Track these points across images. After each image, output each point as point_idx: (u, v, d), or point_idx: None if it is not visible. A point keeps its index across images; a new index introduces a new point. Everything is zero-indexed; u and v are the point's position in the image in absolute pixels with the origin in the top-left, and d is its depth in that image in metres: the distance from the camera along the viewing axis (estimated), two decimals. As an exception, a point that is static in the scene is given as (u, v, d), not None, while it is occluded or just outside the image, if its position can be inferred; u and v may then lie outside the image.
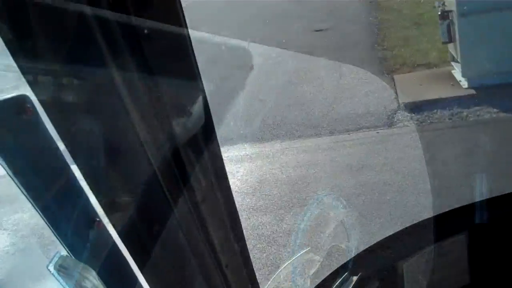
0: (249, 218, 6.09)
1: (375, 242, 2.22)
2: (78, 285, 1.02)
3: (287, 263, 6.27)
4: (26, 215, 7.00)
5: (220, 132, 7.19)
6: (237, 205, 1.46)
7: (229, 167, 6.89)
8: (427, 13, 14.57)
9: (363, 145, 7.39)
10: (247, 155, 7.81)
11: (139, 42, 0.92)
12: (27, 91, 0.87)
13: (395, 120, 7.98)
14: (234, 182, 6.87)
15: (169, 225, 1.15)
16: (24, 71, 0.84)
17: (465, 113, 7.76)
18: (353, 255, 2.19)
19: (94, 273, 1.04)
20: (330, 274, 2.11)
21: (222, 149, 1.25)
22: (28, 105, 0.90)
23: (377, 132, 7.70)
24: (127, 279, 1.17)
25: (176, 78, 1.05)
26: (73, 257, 1.04)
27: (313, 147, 7.69)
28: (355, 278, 2.05)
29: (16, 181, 0.94)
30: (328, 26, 15.08)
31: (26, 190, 0.95)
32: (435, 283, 2.27)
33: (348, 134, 7.88)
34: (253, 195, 6.65)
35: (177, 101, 1.04)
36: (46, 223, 1.00)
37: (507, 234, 2.30)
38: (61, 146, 0.94)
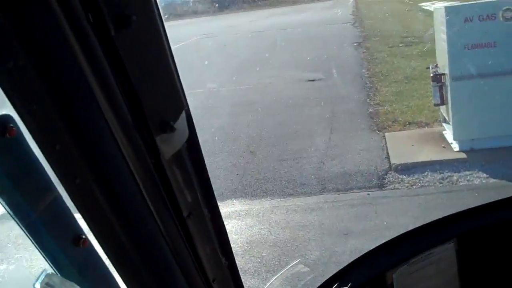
0: (236, 282, 6.00)
1: (364, 252, 2.24)
2: None
3: (277, 275, 6.15)
4: (12, 267, 6.90)
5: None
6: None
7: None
8: (418, 67, 14.77)
9: (353, 207, 7.35)
10: (236, 211, 7.76)
11: (121, 60, 0.93)
12: (10, 111, 0.87)
13: (386, 181, 7.96)
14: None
15: (155, 241, 1.15)
16: (6, 91, 0.83)
17: (455, 178, 7.77)
18: (343, 266, 2.21)
19: None
20: (321, 284, 2.12)
21: None
22: (12, 125, 0.91)
23: (368, 194, 7.66)
24: None
25: (159, 95, 1.06)
26: (59, 275, 1.05)
27: (302, 207, 7.64)
28: None
29: (1, 200, 0.94)
30: (321, 76, 15.21)
31: (11, 209, 0.96)
32: None
33: (338, 194, 7.85)
34: (242, 257, 6.57)
35: (161, 117, 1.05)
36: (31, 241, 1.01)
37: (495, 241, 2.35)
38: (46, 164, 0.94)
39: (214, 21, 35.47)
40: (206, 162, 1.20)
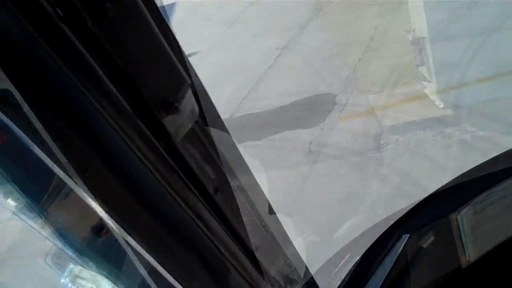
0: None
1: (426, 195, 2.19)
2: None
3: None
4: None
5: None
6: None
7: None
8: (379, 26, 15.04)
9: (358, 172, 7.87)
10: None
11: (106, 51, 0.91)
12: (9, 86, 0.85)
13: (382, 143, 8.51)
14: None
15: (183, 222, 1.13)
16: (5, 67, 0.83)
17: (446, 133, 8.33)
18: (408, 210, 2.15)
19: (108, 281, 1.05)
20: (381, 235, 2.07)
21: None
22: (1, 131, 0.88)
23: (369, 156, 8.19)
24: (144, 285, 1.15)
25: (155, 77, 1.02)
26: (84, 268, 1.05)
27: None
28: (407, 236, 1.99)
29: (12, 207, 0.94)
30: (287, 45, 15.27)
31: (22, 213, 0.96)
32: (491, 230, 2.20)
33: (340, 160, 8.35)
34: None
35: (161, 99, 1.02)
36: (50, 241, 1.01)
37: None
38: (50, 163, 0.92)
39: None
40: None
